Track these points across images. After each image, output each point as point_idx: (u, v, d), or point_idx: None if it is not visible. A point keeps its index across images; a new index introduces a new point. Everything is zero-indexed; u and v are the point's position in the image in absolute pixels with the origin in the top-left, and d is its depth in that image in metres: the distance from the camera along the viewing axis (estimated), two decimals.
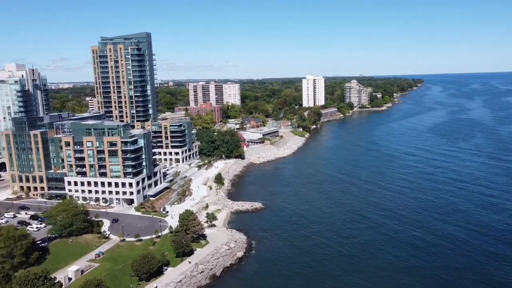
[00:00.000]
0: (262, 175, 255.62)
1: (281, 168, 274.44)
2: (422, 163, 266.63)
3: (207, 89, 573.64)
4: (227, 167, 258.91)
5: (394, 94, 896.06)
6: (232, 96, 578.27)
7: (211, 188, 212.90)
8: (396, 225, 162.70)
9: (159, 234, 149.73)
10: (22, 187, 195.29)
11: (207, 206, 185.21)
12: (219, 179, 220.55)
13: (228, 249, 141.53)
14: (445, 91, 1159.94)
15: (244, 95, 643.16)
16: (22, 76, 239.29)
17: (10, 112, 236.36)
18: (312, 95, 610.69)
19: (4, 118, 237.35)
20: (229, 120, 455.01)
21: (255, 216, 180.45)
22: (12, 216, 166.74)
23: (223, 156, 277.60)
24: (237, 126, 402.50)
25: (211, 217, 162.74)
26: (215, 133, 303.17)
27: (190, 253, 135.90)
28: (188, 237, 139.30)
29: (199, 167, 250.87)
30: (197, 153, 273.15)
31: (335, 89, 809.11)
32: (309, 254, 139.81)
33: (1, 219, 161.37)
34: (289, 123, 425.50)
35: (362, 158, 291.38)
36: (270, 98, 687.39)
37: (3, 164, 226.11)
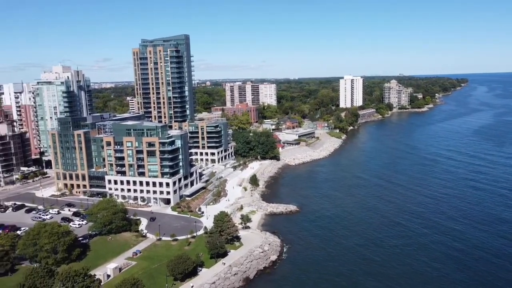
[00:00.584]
0: (297, 177, 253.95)
1: (316, 170, 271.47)
2: (465, 169, 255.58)
3: (243, 89, 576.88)
4: (262, 168, 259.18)
5: (436, 94, 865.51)
6: (268, 96, 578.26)
7: (246, 189, 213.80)
8: (434, 235, 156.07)
9: (194, 234, 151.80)
10: (66, 185, 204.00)
11: (241, 208, 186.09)
12: (254, 180, 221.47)
13: (262, 252, 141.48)
14: (491, 92, 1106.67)
15: (280, 95, 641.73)
16: (68, 77, 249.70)
17: (56, 112, 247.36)
18: (350, 95, 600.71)
19: (51, 117, 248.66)
20: (265, 120, 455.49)
21: (289, 219, 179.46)
22: (56, 212, 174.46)
23: (259, 157, 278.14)
24: (273, 126, 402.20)
25: (246, 219, 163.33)
26: (251, 134, 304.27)
27: (224, 254, 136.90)
28: (222, 238, 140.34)
29: (235, 167, 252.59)
30: (233, 154, 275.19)
31: (374, 89, 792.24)
32: (341, 261, 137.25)
33: (46, 215, 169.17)
34: (326, 124, 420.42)
35: (400, 162, 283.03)
36: (307, 99, 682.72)
37: (50, 161, 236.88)
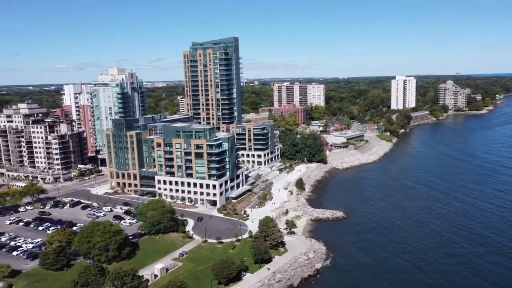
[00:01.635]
0: (344, 181, 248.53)
1: (364, 175, 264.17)
2: None
3: (291, 89, 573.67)
4: (309, 171, 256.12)
5: (497, 95, 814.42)
6: (316, 97, 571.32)
7: (291, 193, 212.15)
8: (491, 255, 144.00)
9: (239, 237, 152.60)
10: (118, 183, 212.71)
11: (287, 212, 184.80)
12: (300, 184, 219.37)
13: (307, 259, 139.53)
14: None
15: (328, 96, 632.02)
16: (122, 79, 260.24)
17: (111, 112, 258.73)
18: (402, 96, 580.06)
19: (106, 117, 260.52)
20: (312, 121, 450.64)
21: (336, 225, 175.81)
22: (109, 210, 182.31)
23: (305, 160, 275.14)
24: (321, 128, 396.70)
25: (291, 225, 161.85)
26: (298, 136, 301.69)
27: (269, 260, 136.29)
28: (267, 244, 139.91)
29: (281, 170, 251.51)
30: (279, 156, 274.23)
31: (428, 89, 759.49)
32: (387, 277, 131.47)
33: (100, 213, 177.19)
34: (376, 127, 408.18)
35: (454, 171, 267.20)
36: (356, 99, 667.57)
37: (104, 159, 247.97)
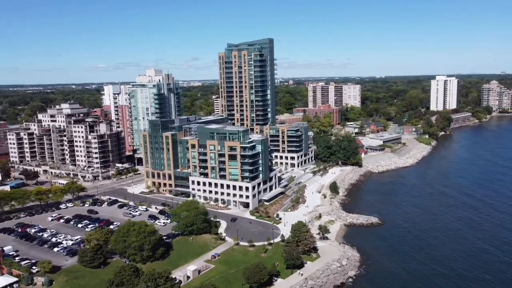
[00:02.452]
0: (380, 185, 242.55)
1: (401, 179, 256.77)
2: None
3: (326, 90, 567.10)
4: (343, 174, 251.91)
5: None
6: (352, 97, 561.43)
7: (325, 197, 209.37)
8: None
9: (271, 241, 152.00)
10: (154, 183, 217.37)
11: (320, 216, 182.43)
12: (334, 188, 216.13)
13: (340, 267, 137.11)
14: None
15: (364, 96, 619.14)
16: (159, 80, 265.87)
17: (148, 113, 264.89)
18: (442, 97, 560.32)
19: (143, 118, 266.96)
20: (347, 123, 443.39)
21: (370, 231, 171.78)
22: (145, 209, 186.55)
23: (339, 162, 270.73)
24: (356, 130, 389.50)
25: (324, 230, 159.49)
26: (332, 138, 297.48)
27: (301, 265, 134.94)
28: (299, 249, 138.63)
29: (314, 173, 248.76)
30: (313, 158, 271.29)
31: (470, 90, 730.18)
32: (424, 284, 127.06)
33: (136, 212, 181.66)
34: (414, 129, 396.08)
35: (497, 178, 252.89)
36: (393, 100, 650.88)
37: (141, 158, 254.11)
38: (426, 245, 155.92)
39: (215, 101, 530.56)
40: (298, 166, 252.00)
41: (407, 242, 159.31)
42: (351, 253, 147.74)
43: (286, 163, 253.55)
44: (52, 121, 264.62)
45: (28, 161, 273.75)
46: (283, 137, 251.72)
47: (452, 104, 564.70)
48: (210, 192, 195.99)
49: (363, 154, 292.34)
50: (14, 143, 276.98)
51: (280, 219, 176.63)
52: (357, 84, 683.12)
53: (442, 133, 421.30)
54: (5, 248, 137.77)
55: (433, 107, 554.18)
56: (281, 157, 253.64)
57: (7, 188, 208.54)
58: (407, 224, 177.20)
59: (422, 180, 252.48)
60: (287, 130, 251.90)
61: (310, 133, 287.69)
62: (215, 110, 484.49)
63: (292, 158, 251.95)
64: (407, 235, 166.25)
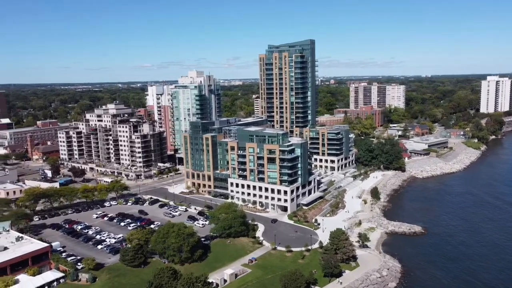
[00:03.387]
0: (424, 192, 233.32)
1: (447, 186, 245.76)
2: None
3: (368, 90, 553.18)
4: (385, 179, 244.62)
5: None
6: (396, 98, 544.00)
7: (365, 202, 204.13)
8: None
9: (309, 247, 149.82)
10: (193, 183, 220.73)
11: (360, 223, 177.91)
12: (375, 193, 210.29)
13: (380, 277, 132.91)
14: None
15: (409, 97, 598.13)
16: (201, 82, 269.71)
17: (189, 114, 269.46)
18: (493, 99, 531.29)
19: (184, 118, 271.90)
20: (390, 125, 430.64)
21: (413, 241, 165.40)
22: (184, 209, 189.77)
23: (381, 166, 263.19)
24: (399, 132, 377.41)
25: (364, 238, 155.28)
26: (374, 141, 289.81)
27: (339, 274, 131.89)
28: (337, 257, 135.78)
29: (355, 177, 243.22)
30: (353, 162, 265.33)
31: None
32: None
33: (176, 212, 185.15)
34: (462, 132, 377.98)
35: None
36: (440, 101, 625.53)
37: (182, 158, 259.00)
38: (470, 260, 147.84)
39: (255, 101, 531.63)
40: (338, 169, 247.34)
41: (451, 254, 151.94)
42: (392, 263, 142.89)
43: (326, 167, 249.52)
44: (99, 120, 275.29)
45: (76, 158, 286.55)
46: (323, 139, 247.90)
47: (505, 106, 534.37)
48: (249, 194, 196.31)
49: (406, 158, 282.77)
50: (63, 141, 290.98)
51: (319, 224, 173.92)
52: (401, 84, 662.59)
53: (493, 137, 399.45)
54: (53, 244, 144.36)
55: (483, 109, 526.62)
56: (320, 160, 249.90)
57: (56, 184, 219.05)
58: (452, 235, 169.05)
59: (469, 188, 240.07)
60: (328, 133, 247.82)
61: (352, 135, 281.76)
62: (255, 111, 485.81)
63: (332, 161, 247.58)
64: (451, 246, 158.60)
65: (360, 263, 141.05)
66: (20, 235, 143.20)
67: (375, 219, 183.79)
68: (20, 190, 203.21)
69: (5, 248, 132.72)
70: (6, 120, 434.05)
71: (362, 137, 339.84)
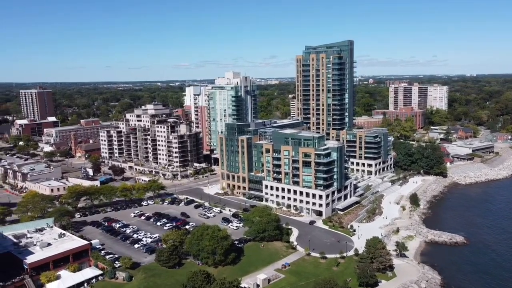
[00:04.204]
0: (466, 199, 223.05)
1: (492, 193, 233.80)
2: None
3: (409, 91, 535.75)
4: (425, 185, 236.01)
5: None
6: (438, 99, 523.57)
7: (404, 209, 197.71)
8: None
9: (344, 254, 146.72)
10: (228, 184, 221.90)
11: (397, 231, 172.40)
12: (414, 199, 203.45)
13: None
14: None
15: (452, 98, 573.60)
16: (237, 83, 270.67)
17: (226, 114, 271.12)
18: None
19: (221, 119, 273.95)
20: (431, 127, 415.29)
21: (454, 251, 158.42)
22: (219, 211, 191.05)
23: (421, 171, 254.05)
24: (441, 135, 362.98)
25: (401, 247, 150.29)
26: (414, 145, 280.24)
27: (374, 284, 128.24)
28: (373, 266, 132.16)
29: (393, 182, 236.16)
30: (392, 166, 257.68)
31: None
32: None
33: (210, 213, 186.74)
34: (509, 136, 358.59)
35: None
36: (486, 102, 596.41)
37: (217, 158, 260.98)
38: None
39: (291, 101, 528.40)
40: (375, 174, 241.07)
41: (494, 267, 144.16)
42: (431, 274, 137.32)
43: (363, 171, 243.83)
44: (138, 120, 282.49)
45: (116, 157, 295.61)
46: (360, 143, 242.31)
47: None
48: (283, 197, 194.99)
49: (448, 163, 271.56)
50: (105, 140, 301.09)
51: (354, 230, 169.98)
52: (444, 84, 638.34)
53: None
54: (93, 242, 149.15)
55: None
56: (357, 164, 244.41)
57: (97, 183, 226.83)
58: (496, 247, 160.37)
59: None
60: (365, 136, 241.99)
61: (390, 138, 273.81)
62: (291, 111, 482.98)
63: (370, 165, 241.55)
64: (495, 259, 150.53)
65: (397, 273, 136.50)
66: (63, 231, 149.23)
67: (414, 227, 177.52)
68: (64, 187, 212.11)
69: (49, 244, 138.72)
70: (52, 119, 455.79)
71: (401, 140, 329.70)
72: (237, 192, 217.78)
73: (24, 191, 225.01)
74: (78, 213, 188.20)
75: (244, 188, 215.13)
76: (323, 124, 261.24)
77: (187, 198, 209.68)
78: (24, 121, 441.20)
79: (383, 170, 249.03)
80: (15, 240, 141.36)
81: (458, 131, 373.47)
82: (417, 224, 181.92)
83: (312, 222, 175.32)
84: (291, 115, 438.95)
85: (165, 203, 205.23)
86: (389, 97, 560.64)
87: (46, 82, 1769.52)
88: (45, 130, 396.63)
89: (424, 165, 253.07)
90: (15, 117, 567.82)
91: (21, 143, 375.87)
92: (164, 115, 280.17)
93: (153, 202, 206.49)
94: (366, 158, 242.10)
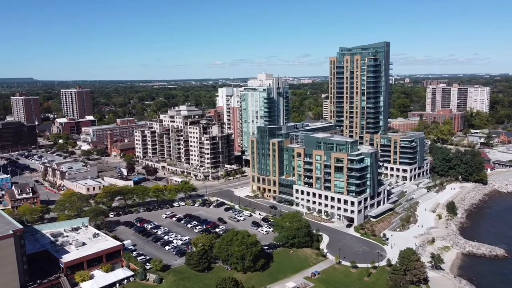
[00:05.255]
0: (508, 209, 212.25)
1: None
2: None
3: (447, 92, 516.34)
4: (463, 192, 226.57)
5: None
6: (479, 101, 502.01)
7: (440, 217, 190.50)
8: None
9: (376, 264, 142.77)
10: (259, 187, 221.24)
11: (433, 241, 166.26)
12: (451, 208, 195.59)
13: None
14: None
15: (494, 99, 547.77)
16: (270, 84, 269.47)
17: (257, 116, 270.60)
18: None
19: (252, 121, 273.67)
20: (471, 131, 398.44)
21: (494, 265, 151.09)
22: (249, 214, 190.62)
23: (459, 178, 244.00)
24: (481, 140, 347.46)
25: (437, 259, 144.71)
26: (452, 150, 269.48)
27: None
28: (406, 278, 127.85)
29: (429, 188, 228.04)
30: (428, 171, 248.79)
31: None
32: None
33: (240, 216, 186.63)
34: None
35: None
36: None
37: (248, 160, 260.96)
38: None
39: (324, 102, 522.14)
40: (410, 179, 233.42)
41: None
42: None
43: (397, 176, 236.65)
44: (171, 121, 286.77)
45: (150, 156, 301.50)
46: (395, 147, 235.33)
47: None
48: (314, 202, 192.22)
49: (489, 169, 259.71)
50: (139, 140, 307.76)
51: (387, 239, 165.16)
52: (486, 84, 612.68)
53: None
54: (125, 242, 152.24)
55: None
56: (391, 169, 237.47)
57: (130, 182, 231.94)
58: None
59: None
60: (400, 140, 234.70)
61: (427, 141, 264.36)
62: (324, 112, 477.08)
63: (404, 170, 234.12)
64: None
65: (432, 287, 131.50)
66: (97, 231, 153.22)
67: (451, 237, 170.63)
68: (99, 187, 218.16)
69: (83, 244, 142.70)
70: (90, 117, 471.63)
71: (439, 144, 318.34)
72: (267, 196, 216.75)
73: (62, 189, 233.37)
74: (112, 213, 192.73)
75: (274, 191, 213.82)
76: (356, 127, 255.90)
77: (217, 200, 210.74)
78: (64, 120, 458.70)
79: (419, 175, 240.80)
80: (52, 239, 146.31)
81: (500, 135, 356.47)
82: (454, 234, 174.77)
83: (349, 226, 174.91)
84: (324, 117, 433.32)
85: (196, 205, 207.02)
86: (426, 98, 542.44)
87: (86, 80, 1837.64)
88: (83, 128, 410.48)
89: (462, 171, 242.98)
90: (56, 115, 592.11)
91: (60, 141, 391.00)
92: (197, 116, 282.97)
93: (184, 203, 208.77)
94: (401, 163, 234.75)
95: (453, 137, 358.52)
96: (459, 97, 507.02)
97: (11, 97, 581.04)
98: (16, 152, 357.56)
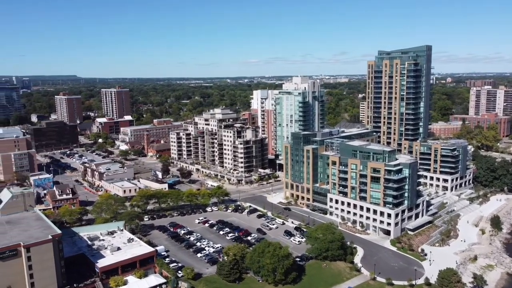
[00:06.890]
0: None
1: None
2: None
3: (493, 94, 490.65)
4: (509, 205, 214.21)
5: None
6: None
7: (483, 232, 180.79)
8: None
9: (413, 282, 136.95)
10: (292, 194, 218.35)
11: (475, 258, 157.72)
12: (496, 222, 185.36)
13: None
14: None
15: None
16: (305, 88, 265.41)
17: (292, 120, 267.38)
18: None
19: (287, 125, 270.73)
20: None
21: None
22: (281, 223, 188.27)
23: (505, 189, 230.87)
24: None
25: (480, 280, 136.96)
26: (498, 157, 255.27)
27: None
28: None
29: (471, 200, 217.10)
30: (471, 181, 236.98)
31: None
32: None
33: (273, 225, 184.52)
34: None
35: None
36: None
37: (282, 164, 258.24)
38: None
39: (361, 103, 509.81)
40: (451, 190, 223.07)
41: None
42: None
43: (437, 186, 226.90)
44: (206, 124, 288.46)
45: (184, 158, 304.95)
46: (435, 156, 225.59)
47: None
48: (348, 212, 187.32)
49: None
50: (174, 142, 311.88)
51: (425, 255, 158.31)
52: None
53: None
54: (158, 248, 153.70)
55: None
56: (431, 179, 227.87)
57: (165, 185, 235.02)
58: None
59: None
60: (441, 149, 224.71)
61: (470, 148, 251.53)
62: (360, 114, 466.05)
63: (445, 180, 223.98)
64: None
65: None
66: (131, 236, 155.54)
67: (495, 255, 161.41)
68: (135, 189, 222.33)
69: (118, 249, 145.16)
70: (128, 117, 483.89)
71: (482, 150, 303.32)
72: (300, 203, 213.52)
73: (100, 189, 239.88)
74: (146, 216, 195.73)
75: (308, 199, 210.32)
76: (394, 134, 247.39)
77: (250, 206, 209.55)
78: (104, 119, 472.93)
79: (461, 186, 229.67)
80: (89, 242, 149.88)
81: None
82: (499, 252, 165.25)
83: (386, 231, 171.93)
84: (360, 120, 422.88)
85: (228, 210, 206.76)
86: (469, 100, 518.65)
87: (126, 78, 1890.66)
88: (121, 128, 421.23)
89: (508, 182, 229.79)
90: (96, 114, 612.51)
91: (100, 140, 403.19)
92: (231, 120, 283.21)
93: (217, 209, 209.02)
94: (441, 172, 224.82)
95: (498, 144, 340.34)
96: (506, 100, 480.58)
97: (55, 96, 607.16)
98: (59, 151, 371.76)
